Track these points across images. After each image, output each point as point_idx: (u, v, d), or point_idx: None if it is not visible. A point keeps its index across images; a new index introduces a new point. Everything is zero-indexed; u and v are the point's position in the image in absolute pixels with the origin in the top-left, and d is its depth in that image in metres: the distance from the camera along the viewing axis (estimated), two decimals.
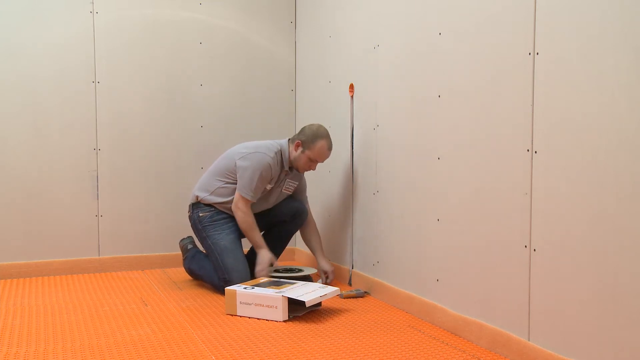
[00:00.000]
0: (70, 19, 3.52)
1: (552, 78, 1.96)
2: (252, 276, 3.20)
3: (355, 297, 3.05)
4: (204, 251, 3.29)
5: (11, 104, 3.43)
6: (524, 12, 2.07)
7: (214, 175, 3.28)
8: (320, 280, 3.32)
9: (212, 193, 3.25)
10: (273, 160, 3.17)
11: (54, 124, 3.52)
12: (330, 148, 3.22)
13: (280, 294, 2.64)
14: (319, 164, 3.35)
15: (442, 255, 2.55)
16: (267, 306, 2.65)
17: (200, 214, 3.24)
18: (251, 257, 3.26)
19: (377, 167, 3.04)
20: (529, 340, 2.09)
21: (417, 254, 2.72)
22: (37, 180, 3.50)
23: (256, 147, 3.22)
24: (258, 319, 2.68)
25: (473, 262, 2.36)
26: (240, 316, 2.72)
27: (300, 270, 3.35)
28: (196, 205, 3.29)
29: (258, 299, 2.67)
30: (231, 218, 3.24)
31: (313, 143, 3.17)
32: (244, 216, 3.16)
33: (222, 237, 3.17)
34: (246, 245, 3.32)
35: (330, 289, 2.80)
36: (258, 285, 2.82)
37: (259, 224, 3.30)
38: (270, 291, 2.69)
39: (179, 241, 3.51)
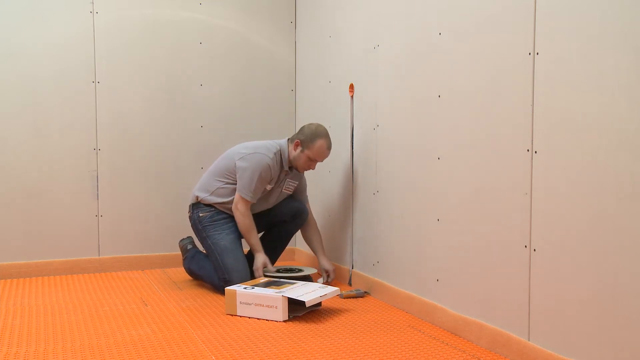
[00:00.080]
0: (70, 19, 3.52)
1: (552, 78, 1.96)
2: (252, 276, 3.20)
3: (355, 297, 3.05)
4: (204, 251, 3.30)
5: (11, 104, 3.43)
6: (524, 12, 2.07)
7: (214, 176, 3.28)
8: (321, 280, 3.32)
9: (212, 193, 3.25)
10: (272, 161, 3.17)
11: (54, 124, 3.52)
12: (329, 147, 3.22)
13: (280, 294, 2.64)
14: (318, 164, 3.35)
15: (442, 255, 2.55)
16: (267, 306, 2.65)
17: (201, 214, 3.24)
18: (251, 257, 3.27)
19: (377, 167, 3.04)
20: (529, 340, 2.09)
21: (417, 254, 2.73)
22: (37, 180, 3.50)
23: (255, 147, 3.21)
24: (258, 319, 2.68)
25: (473, 262, 2.36)
26: (240, 316, 2.72)
27: (300, 270, 3.35)
28: (196, 205, 3.29)
29: (258, 299, 2.67)
30: (231, 218, 3.24)
31: (312, 142, 3.17)
32: (242, 218, 3.17)
33: (222, 237, 3.17)
34: (246, 245, 3.32)
35: (330, 289, 2.80)
36: (258, 285, 2.82)
37: (259, 224, 3.31)
38: (270, 291, 2.69)
39: (178, 241, 3.51)
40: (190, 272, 3.37)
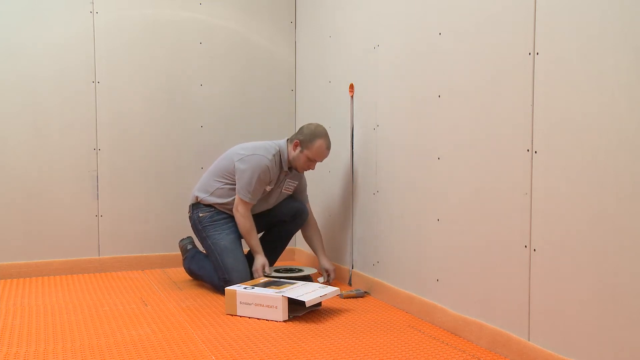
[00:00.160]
0: (70, 19, 3.52)
1: (552, 78, 1.96)
2: (252, 276, 3.20)
3: (355, 297, 3.05)
4: (204, 251, 3.30)
5: (11, 104, 3.43)
6: (524, 12, 2.07)
7: (213, 176, 3.28)
8: (321, 279, 3.32)
9: (211, 194, 3.25)
10: (271, 163, 3.17)
11: (54, 124, 3.52)
12: (328, 147, 3.22)
13: (280, 294, 2.64)
14: (318, 164, 3.35)
15: (442, 255, 2.55)
16: (267, 306, 2.65)
17: (200, 214, 3.24)
18: (251, 257, 3.27)
19: (377, 167, 3.04)
20: (529, 340, 2.09)
21: (417, 254, 2.73)
22: (37, 180, 3.50)
23: (254, 148, 3.21)
24: (258, 319, 2.68)
25: (473, 262, 2.36)
26: (240, 316, 2.72)
27: (300, 270, 3.35)
28: (196, 205, 3.29)
29: (258, 299, 2.67)
30: (231, 218, 3.24)
31: (311, 142, 3.17)
32: (243, 220, 3.17)
33: (222, 237, 3.17)
34: (246, 245, 3.32)
35: (330, 289, 2.80)
36: (258, 285, 2.82)
37: (259, 224, 3.31)
38: (270, 291, 2.69)
39: (178, 241, 3.51)
40: (190, 272, 3.37)
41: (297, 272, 3.31)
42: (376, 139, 3.04)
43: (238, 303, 2.72)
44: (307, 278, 3.27)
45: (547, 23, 1.98)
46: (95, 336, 2.43)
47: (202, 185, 3.30)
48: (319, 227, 3.49)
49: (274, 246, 3.41)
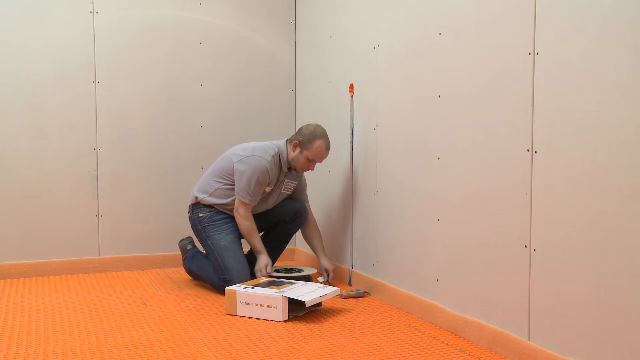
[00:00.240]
0: (70, 19, 3.52)
1: (552, 78, 1.96)
2: (252, 276, 3.20)
3: (355, 297, 3.05)
4: (204, 251, 3.30)
5: (11, 104, 3.43)
6: (524, 13, 2.07)
7: (213, 177, 3.28)
8: (321, 279, 3.32)
9: (211, 194, 3.25)
10: (270, 164, 3.16)
11: (54, 124, 3.52)
12: (328, 148, 3.21)
13: (280, 294, 2.64)
14: (318, 164, 3.35)
15: (442, 255, 2.55)
16: (267, 306, 2.65)
17: (200, 215, 3.24)
18: (251, 257, 3.27)
19: (377, 167, 3.04)
20: (529, 340, 2.09)
21: (417, 254, 2.73)
22: (37, 180, 3.50)
23: (254, 149, 3.20)
24: (258, 319, 2.68)
25: (473, 262, 2.36)
26: (240, 316, 2.72)
27: (300, 270, 3.35)
28: (196, 205, 3.29)
29: (258, 299, 2.67)
30: (231, 218, 3.24)
31: (311, 143, 3.17)
32: (243, 221, 3.17)
33: (222, 237, 3.17)
34: (246, 245, 3.32)
35: (330, 289, 2.80)
36: (258, 285, 2.82)
37: (260, 225, 3.31)
38: (270, 291, 2.69)
39: (178, 242, 3.51)
40: (190, 272, 3.37)
41: (297, 272, 3.32)
42: (376, 139, 3.04)
43: (238, 303, 2.72)
44: (307, 278, 3.28)
45: (547, 23, 1.98)
46: (95, 336, 2.43)
47: (202, 186, 3.30)
48: (319, 227, 3.49)
49: (274, 246, 3.41)
